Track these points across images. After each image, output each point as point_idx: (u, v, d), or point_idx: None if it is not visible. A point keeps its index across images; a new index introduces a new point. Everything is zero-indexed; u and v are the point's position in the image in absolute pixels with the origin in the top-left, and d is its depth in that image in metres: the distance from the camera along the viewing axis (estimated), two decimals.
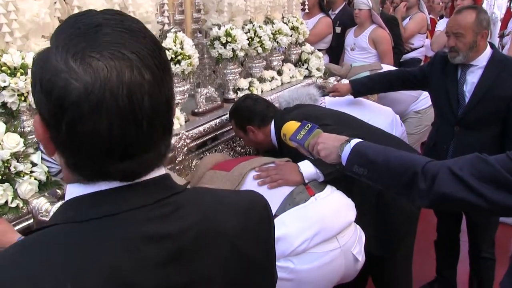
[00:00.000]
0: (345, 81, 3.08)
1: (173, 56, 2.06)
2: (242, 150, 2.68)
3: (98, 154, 0.65)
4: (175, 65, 2.07)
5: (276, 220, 1.83)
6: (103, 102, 0.61)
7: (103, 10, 0.70)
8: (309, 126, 1.63)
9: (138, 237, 0.67)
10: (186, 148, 2.16)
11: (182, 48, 2.10)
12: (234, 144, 2.63)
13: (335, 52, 4.58)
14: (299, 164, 1.98)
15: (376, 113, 2.82)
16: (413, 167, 1.29)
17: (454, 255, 2.93)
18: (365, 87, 2.89)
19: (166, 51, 2.04)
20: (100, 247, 0.65)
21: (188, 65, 2.12)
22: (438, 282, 2.99)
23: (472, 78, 2.42)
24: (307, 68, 3.36)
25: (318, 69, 3.39)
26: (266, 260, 0.86)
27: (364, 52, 4.13)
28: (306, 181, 1.95)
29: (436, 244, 2.95)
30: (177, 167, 2.15)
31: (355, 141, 1.44)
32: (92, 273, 0.63)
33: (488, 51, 2.41)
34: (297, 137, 1.63)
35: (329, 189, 1.94)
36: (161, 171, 0.74)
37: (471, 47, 2.36)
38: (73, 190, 0.70)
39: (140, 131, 0.65)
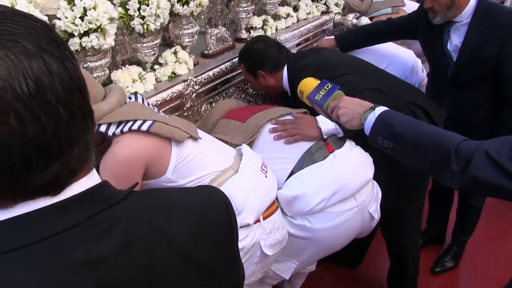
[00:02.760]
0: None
1: None
2: (254, 92, 2.58)
3: (10, 167, 0.53)
4: (183, 6, 1.93)
5: (293, 178, 1.79)
6: (5, 98, 0.50)
7: None
8: (329, 86, 1.51)
9: (66, 266, 0.56)
10: (194, 94, 2.07)
11: None
12: (246, 86, 2.53)
13: None
14: (318, 118, 1.89)
15: (395, 58, 2.66)
16: (446, 145, 1.19)
17: (447, 205, 2.88)
18: (350, 42, 2.69)
19: None
20: (19, 284, 0.54)
21: (197, 6, 1.97)
22: (427, 233, 2.94)
23: (456, 38, 2.23)
24: (325, 3, 3.16)
25: (336, 5, 3.18)
26: (229, 271, 0.74)
27: None
28: (325, 137, 1.88)
29: (431, 194, 2.85)
30: (185, 114, 2.08)
31: (380, 109, 1.34)
32: None
33: (472, 4, 2.16)
34: (316, 97, 1.53)
35: (349, 145, 1.87)
36: (92, 180, 0.63)
37: (449, 6, 2.14)
38: None
39: (59, 121, 0.55)
